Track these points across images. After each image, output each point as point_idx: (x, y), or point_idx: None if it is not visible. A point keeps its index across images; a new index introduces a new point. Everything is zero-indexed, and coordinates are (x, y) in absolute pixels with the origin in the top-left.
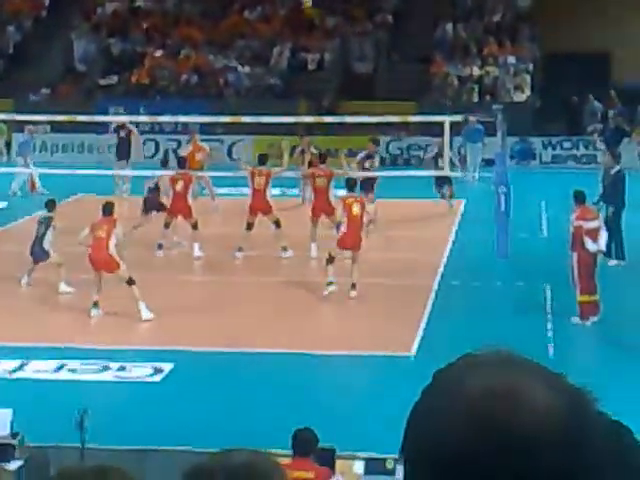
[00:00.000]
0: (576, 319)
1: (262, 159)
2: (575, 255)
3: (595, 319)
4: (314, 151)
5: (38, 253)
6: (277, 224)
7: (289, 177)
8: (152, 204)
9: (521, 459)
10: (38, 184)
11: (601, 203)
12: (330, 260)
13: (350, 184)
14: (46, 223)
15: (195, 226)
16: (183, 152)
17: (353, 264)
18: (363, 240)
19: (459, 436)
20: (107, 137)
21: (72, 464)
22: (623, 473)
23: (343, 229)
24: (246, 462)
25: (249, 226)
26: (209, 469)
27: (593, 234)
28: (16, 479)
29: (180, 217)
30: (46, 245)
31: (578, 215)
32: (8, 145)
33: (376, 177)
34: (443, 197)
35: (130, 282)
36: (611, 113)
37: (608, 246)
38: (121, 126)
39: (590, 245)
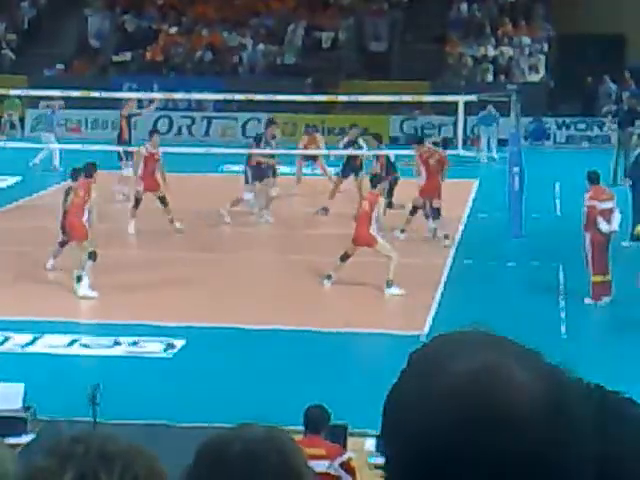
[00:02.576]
0: (589, 300)
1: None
2: (588, 235)
3: (607, 299)
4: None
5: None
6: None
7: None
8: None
9: (504, 438)
10: (57, 161)
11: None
12: (344, 257)
13: (374, 180)
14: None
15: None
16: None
17: (389, 261)
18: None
19: (442, 418)
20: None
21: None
22: (606, 445)
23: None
24: (263, 435)
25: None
26: (226, 441)
27: (606, 214)
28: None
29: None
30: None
31: (591, 195)
32: (22, 120)
33: (359, 161)
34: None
35: (93, 256)
36: (626, 94)
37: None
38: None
39: (603, 226)
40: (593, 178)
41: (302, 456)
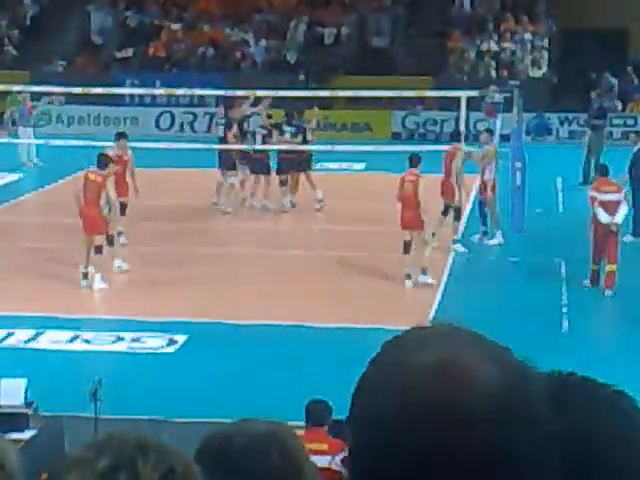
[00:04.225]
0: (587, 282)
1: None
2: (592, 226)
3: (610, 292)
4: None
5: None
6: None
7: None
8: None
9: (457, 432)
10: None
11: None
12: (406, 249)
13: (411, 160)
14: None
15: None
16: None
17: (417, 248)
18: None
19: (397, 409)
20: (123, 109)
21: (87, 434)
22: (569, 443)
23: (399, 208)
24: (264, 431)
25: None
26: (228, 436)
27: (608, 206)
28: (29, 448)
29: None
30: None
31: (594, 186)
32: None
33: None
34: None
35: (99, 250)
36: (595, 92)
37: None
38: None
39: (602, 216)
40: (600, 170)
41: (304, 452)
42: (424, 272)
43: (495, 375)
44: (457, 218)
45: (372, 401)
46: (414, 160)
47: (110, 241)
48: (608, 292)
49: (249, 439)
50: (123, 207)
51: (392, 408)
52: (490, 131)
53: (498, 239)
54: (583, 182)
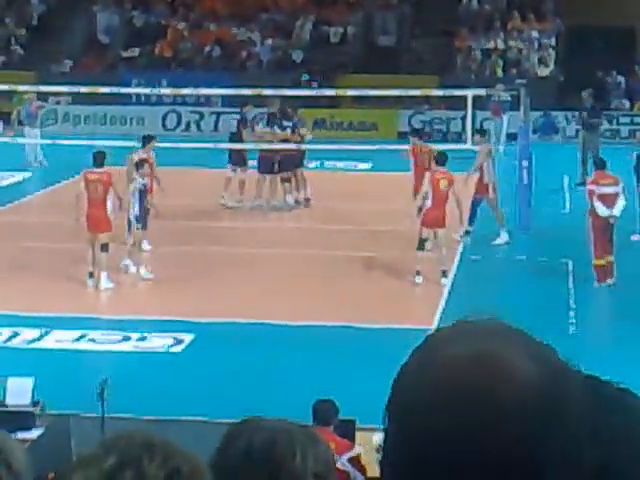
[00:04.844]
0: (596, 284)
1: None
2: (590, 219)
3: (611, 281)
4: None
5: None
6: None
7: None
8: None
9: (495, 427)
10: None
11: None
12: (420, 245)
13: (439, 159)
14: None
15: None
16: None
17: (441, 247)
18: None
19: (432, 397)
20: (129, 109)
21: (93, 433)
22: (600, 447)
23: (428, 205)
24: (288, 430)
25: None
26: (250, 434)
27: (606, 199)
28: (36, 447)
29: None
30: (135, 211)
31: (592, 180)
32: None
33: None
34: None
35: (106, 248)
36: (587, 92)
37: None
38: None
39: (600, 210)
40: (598, 163)
41: (329, 454)
42: (445, 274)
43: (534, 373)
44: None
45: (410, 388)
46: (442, 158)
47: (137, 247)
48: (610, 281)
49: (270, 436)
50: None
51: (428, 396)
52: (482, 131)
53: (503, 238)
54: (582, 183)
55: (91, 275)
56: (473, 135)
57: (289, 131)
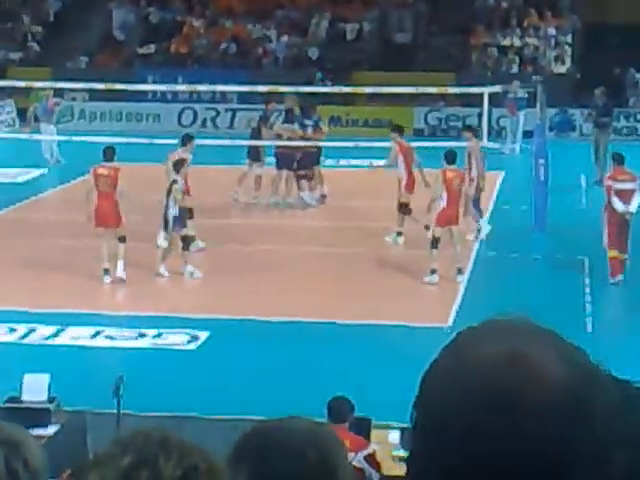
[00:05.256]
0: (610, 278)
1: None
2: (606, 214)
3: (620, 278)
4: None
5: (173, 221)
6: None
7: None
8: None
9: (524, 427)
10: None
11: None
12: (435, 243)
13: (449, 157)
14: (169, 188)
15: None
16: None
17: (455, 245)
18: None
19: (464, 401)
20: (145, 105)
21: (109, 430)
22: (632, 451)
23: (443, 204)
24: (306, 429)
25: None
26: (268, 431)
27: (623, 195)
28: (52, 444)
29: None
30: (174, 212)
31: (609, 175)
32: None
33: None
34: None
35: (123, 239)
36: (600, 90)
37: None
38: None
39: (617, 205)
40: (616, 159)
41: (343, 454)
42: (461, 271)
43: (563, 374)
44: (403, 212)
45: (440, 388)
46: (452, 156)
47: (187, 244)
48: (619, 278)
49: (288, 436)
50: (190, 210)
51: (459, 396)
52: (470, 127)
53: (479, 230)
54: (599, 181)
55: (106, 272)
56: (462, 131)
57: (310, 130)
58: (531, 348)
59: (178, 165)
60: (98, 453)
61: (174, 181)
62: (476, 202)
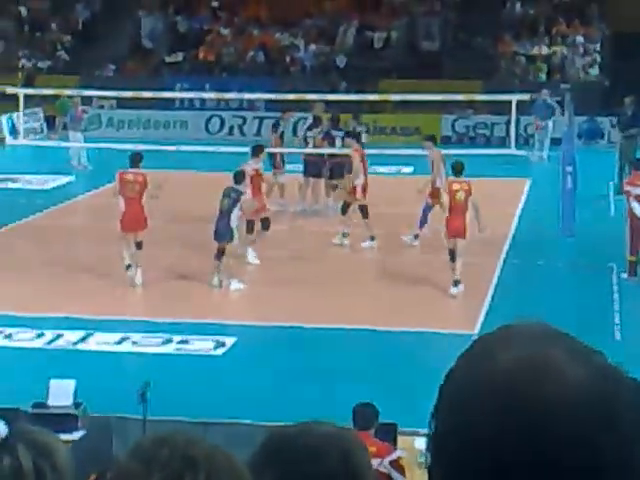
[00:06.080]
0: (625, 275)
1: None
2: (628, 220)
3: (635, 279)
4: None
5: (222, 231)
6: None
7: None
8: None
9: (544, 433)
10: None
11: None
12: (453, 257)
13: (457, 168)
14: (234, 197)
15: None
16: None
17: (457, 258)
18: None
19: (485, 405)
20: (173, 113)
21: (135, 436)
22: None
23: (446, 215)
24: (328, 433)
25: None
26: (291, 434)
27: None
28: (78, 448)
29: None
30: (233, 223)
31: (628, 180)
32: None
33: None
34: None
35: (140, 246)
36: (629, 99)
37: None
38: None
39: (637, 210)
40: (637, 165)
41: (366, 460)
42: (456, 284)
43: (584, 377)
44: (364, 216)
45: (460, 393)
46: (459, 167)
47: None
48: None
49: (311, 440)
50: (267, 222)
51: (479, 400)
52: (431, 137)
53: (416, 236)
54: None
55: (129, 267)
56: (425, 141)
57: (339, 145)
58: (550, 351)
59: (239, 177)
60: (120, 469)
61: (240, 193)
62: (427, 210)
